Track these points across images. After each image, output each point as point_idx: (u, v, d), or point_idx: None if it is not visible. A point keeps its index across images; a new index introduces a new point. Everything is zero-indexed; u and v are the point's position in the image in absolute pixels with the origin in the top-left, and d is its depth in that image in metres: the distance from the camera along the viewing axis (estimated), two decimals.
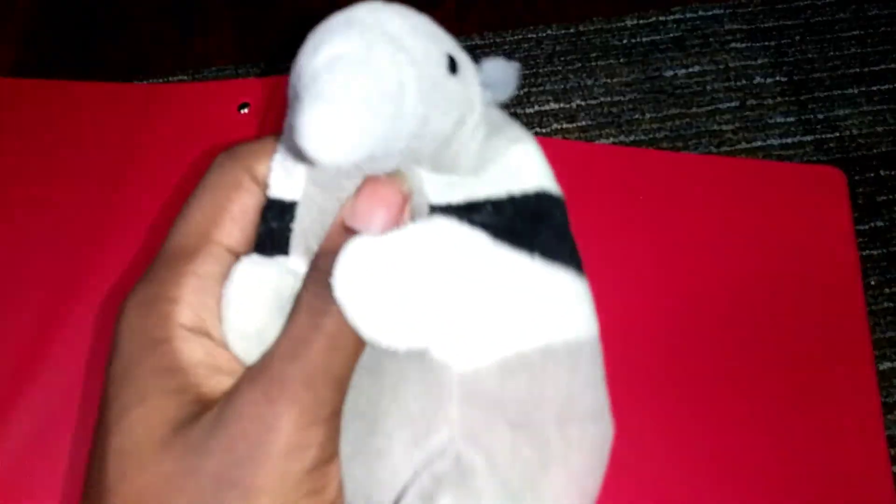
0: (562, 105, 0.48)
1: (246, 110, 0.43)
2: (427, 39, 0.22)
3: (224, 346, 0.21)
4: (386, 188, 0.21)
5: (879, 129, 0.47)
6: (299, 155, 0.21)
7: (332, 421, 0.20)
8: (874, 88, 0.49)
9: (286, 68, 0.51)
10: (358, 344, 0.20)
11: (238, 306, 0.21)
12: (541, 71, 0.50)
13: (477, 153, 0.23)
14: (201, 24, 0.54)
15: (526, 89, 0.49)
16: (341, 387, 0.20)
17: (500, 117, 0.25)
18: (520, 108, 0.48)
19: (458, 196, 0.23)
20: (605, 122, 0.47)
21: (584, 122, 0.48)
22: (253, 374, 0.20)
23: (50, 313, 0.38)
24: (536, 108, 0.48)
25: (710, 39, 0.51)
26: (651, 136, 0.47)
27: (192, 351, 0.21)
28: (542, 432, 0.21)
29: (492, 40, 0.51)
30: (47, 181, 0.42)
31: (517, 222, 0.22)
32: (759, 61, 0.50)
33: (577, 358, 0.22)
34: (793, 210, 0.43)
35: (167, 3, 0.55)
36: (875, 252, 0.43)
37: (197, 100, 0.45)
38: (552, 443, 0.21)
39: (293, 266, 0.23)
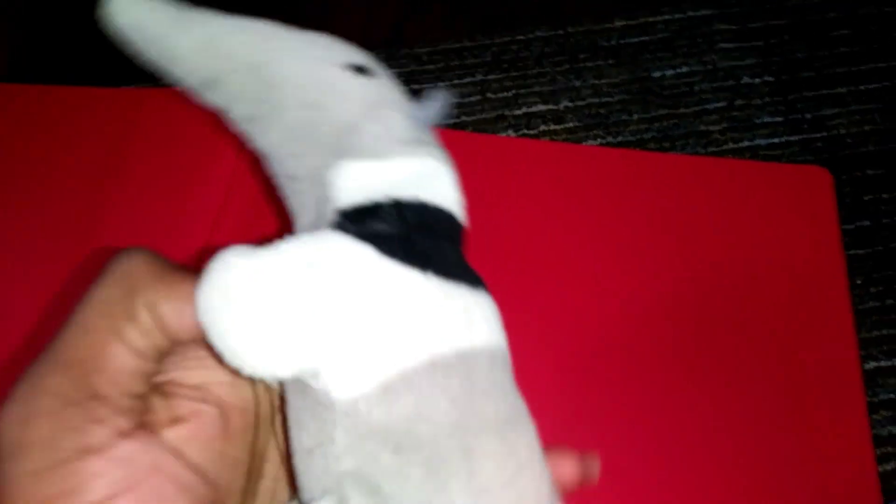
0: (550, 107, 0.48)
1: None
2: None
3: None
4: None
5: (867, 128, 0.47)
6: None
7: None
8: (862, 87, 0.49)
9: None
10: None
11: None
12: (529, 73, 0.50)
13: (393, 149, 0.22)
14: None
15: (514, 91, 0.49)
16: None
17: (434, 140, 0.24)
18: (507, 110, 0.48)
19: (364, 194, 0.21)
20: (593, 124, 0.48)
21: (571, 124, 0.48)
22: None
23: (41, 315, 0.38)
24: (524, 109, 0.48)
25: (699, 40, 0.51)
26: (639, 136, 0.47)
27: None
28: (436, 448, 0.19)
29: (480, 42, 0.52)
30: (42, 184, 0.43)
31: (416, 234, 0.21)
32: (748, 61, 0.50)
33: (472, 368, 0.20)
34: (779, 209, 0.43)
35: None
36: (861, 251, 0.43)
37: (187, 103, 0.45)
38: (449, 458, 0.19)
39: None
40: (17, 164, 0.44)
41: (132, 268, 0.21)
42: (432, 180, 0.23)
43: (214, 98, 0.25)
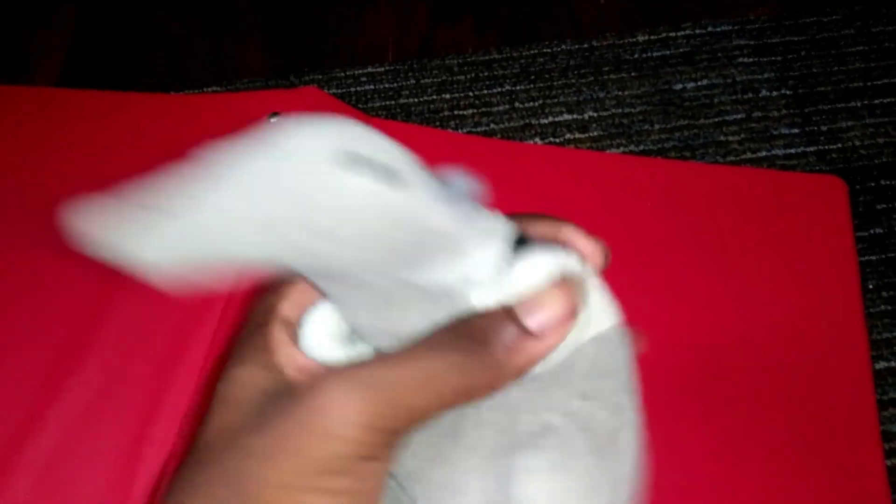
0: (575, 116, 0.51)
1: (276, 119, 0.46)
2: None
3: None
4: (570, 295, 0.22)
5: (881, 140, 0.49)
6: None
7: (389, 438, 0.20)
8: (876, 102, 0.50)
9: (313, 80, 0.54)
10: (457, 395, 0.21)
11: (312, 337, 0.24)
12: (555, 84, 0.52)
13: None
14: (233, 38, 0.57)
15: (541, 101, 0.52)
16: (413, 419, 0.21)
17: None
18: (534, 119, 0.51)
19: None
20: (616, 133, 0.50)
21: (595, 133, 0.50)
22: (344, 370, 0.21)
23: (86, 314, 0.41)
24: (550, 118, 0.51)
25: (719, 54, 0.53)
26: (660, 146, 0.49)
27: (280, 337, 0.23)
28: (609, 399, 0.24)
29: (509, 55, 0.54)
30: (86, 187, 0.45)
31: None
32: (766, 75, 0.52)
33: (620, 340, 0.25)
34: (795, 217, 0.44)
35: (200, 19, 0.58)
36: (874, 258, 0.44)
37: (228, 109, 0.47)
38: (621, 406, 0.25)
39: None
40: (66, 165, 0.47)
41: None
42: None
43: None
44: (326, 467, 0.20)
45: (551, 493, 0.22)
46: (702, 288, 0.43)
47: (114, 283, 0.41)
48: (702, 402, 0.39)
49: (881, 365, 0.41)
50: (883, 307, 0.43)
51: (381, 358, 0.21)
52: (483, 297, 0.22)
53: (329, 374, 0.21)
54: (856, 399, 0.39)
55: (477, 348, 0.21)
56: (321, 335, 0.24)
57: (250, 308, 0.25)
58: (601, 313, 0.25)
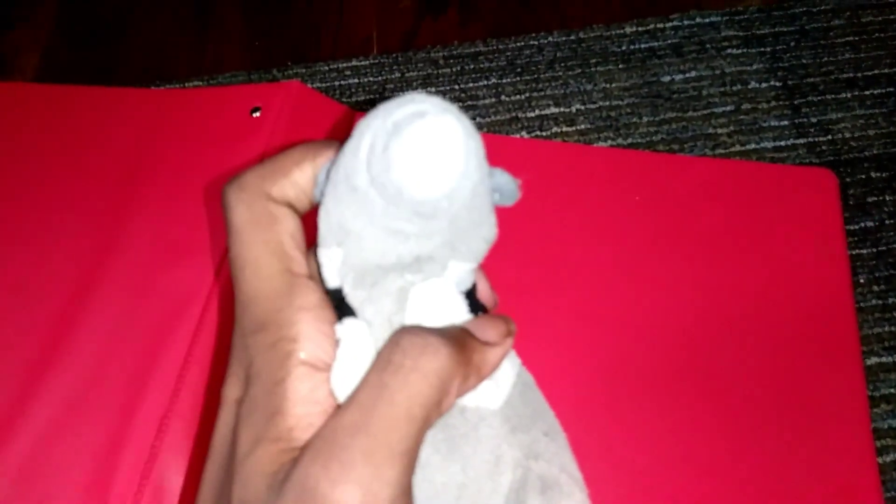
0: (562, 109, 0.50)
1: (258, 114, 0.45)
2: (475, 131, 0.26)
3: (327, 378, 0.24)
4: (506, 320, 0.26)
5: (871, 132, 0.48)
6: (357, 208, 0.25)
7: (398, 491, 0.20)
8: (867, 93, 0.50)
9: (296, 74, 0.53)
10: (428, 406, 0.22)
11: (344, 365, 0.24)
12: (542, 76, 0.52)
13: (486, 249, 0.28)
14: (215, 32, 0.56)
15: (527, 94, 0.51)
16: (406, 463, 0.21)
17: None
18: (521, 112, 0.50)
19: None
20: (604, 126, 0.49)
21: (583, 126, 0.49)
22: (317, 446, 0.21)
23: (65, 312, 0.40)
24: (537, 111, 0.50)
25: (707, 46, 0.52)
26: (648, 139, 0.48)
27: (299, 387, 0.22)
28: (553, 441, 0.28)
29: (495, 47, 0.53)
30: (68, 182, 0.44)
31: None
32: (755, 67, 0.51)
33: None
34: (785, 210, 0.44)
35: (183, 13, 0.57)
36: (864, 251, 0.44)
37: (209, 104, 0.47)
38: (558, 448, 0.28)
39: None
40: (46, 161, 0.46)
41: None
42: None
43: None
44: None
45: None
46: (690, 282, 0.42)
47: (89, 284, 0.40)
48: (691, 395, 0.39)
49: (872, 360, 0.41)
50: (874, 301, 0.42)
51: (344, 418, 0.22)
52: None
53: (302, 470, 0.21)
54: (847, 395, 0.38)
55: (431, 346, 0.23)
56: (348, 371, 0.24)
57: (256, 364, 0.24)
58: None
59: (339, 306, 0.26)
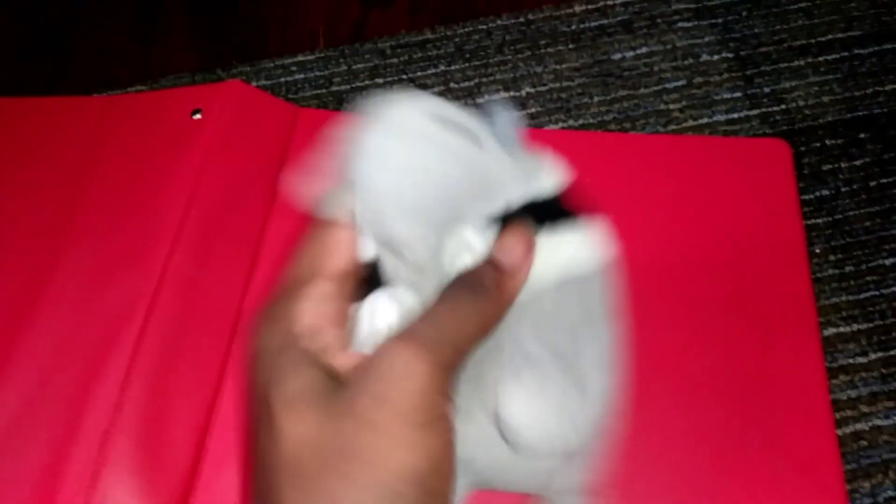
0: (512, 93, 0.49)
1: (198, 116, 0.44)
2: (452, 132, 0.28)
3: (336, 342, 0.27)
4: (523, 234, 0.29)
5: (825, 98, 0.47)
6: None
7: (451, 375, 0.25)
8: (820, 59, 0.49)
9: (241, 73, 0.52)
10: (482, 330, 0.27)
11: (363, 329, 0.27)
12: (491, 61, 0.51)
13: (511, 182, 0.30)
14: (161, 35, 0.55)
15: (477, 80, 0.50)
16: (460, 354, 0.26)
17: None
18: (471, 99, 0.49)
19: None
20: (555, 108, 0.48)
21: (533, 109, 0.48)
22: (395, 336, 0.25)
23: (5, 328, 0.39)
24: (487, 97, 0.49)
25: (658, 20, 0.51)
26: (600, 118, 0.48)
27: (314, 345, 0.26)
28: (572, 329, 0.29)
29: (443, 34, 0.52)
30: (7, 197, 0.44)
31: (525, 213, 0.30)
32: (706, 39, 0.50)
33: (589, 282, 0.30)
34: (739, 183, 0.43)
35: (128, 17, 0.56)
36: (820, 220, 0.43)
37: (149, 109, 0.46)
38: (580, 335, 0.29)
39: (396, 295, 0.28)
40: None
41: None
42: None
43: None
44: (416, 420, 0.24)
45: (530, 411, 0.27)
46: (646, 260, 0.41)
47: (29, 300, 0.40)
48: (646, 370, 0.38)
49: (830, 331, 0.40)
50: (831, 271, 0.42)
51: (420, 321, 0.26)
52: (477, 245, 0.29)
53: (384, 348, 0.25)
54: (805, 367, 0.38)
55: (480, 292, 0.27)
56: (371, 335, 0.27)
57: (262, 336, 0.27)
58: (565, 264, 0.30)
59: (368, 281, 0.28)
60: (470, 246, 0.29)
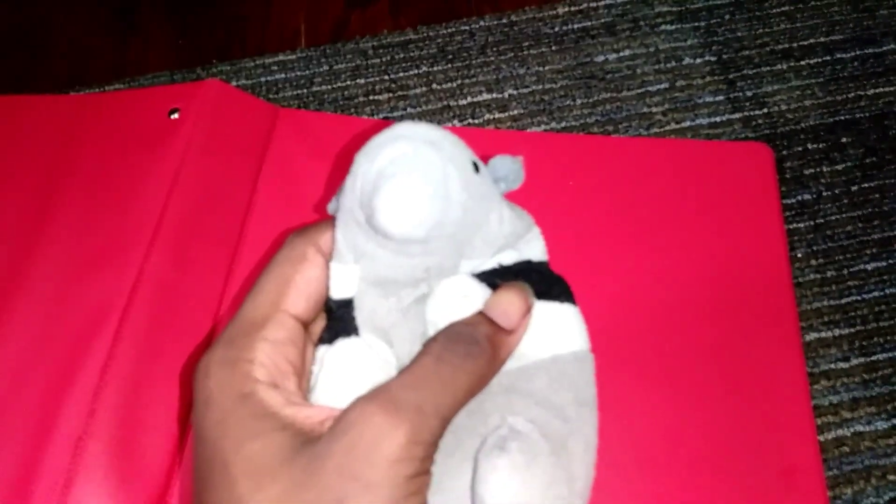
0: (494, 95, 0.49)
1: (176, 115, 0.43)
2: (456, 147, 0.29)
3: (299, 393, 0.25)
4: (523, 293, 0.27)
5: (808, 102, 0.47)
6: (365, 236, 0.28)
7: (431, 447, 0.23)
8: (803, 63, 0.49)
9: (220, 72, 0.51)
10: (470, 393, 0.25)
11: (332, 376, 0.26)
12: (473, 62, 0.50)
13: (505, 237, 0.30)
14: (138, 32, 0.54)
15: (459, 81, 0.50)
16: (444, 423, 0.24)
17: (510, 207, 0.31)
18: (452, 101, 0.49)
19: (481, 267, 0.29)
20: (537, 111, 0.48)
21: (516, 112, 0.48)
22: (370, 396, 0.23)
23: None
24: (469, 99, 0.49)
25: (641, 23, 0.51)
26: (582, 121, 0.47)
27: (274, 399, 0.24)
28: (563, 411, 0.27)
29: (426, 34, 0.52)
30: None
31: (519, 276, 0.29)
32: (689, 42, 0.50)
33: (581, 363, 0.29)
34: (721, 187, 0.43)
35: (104, 14, 0.55)
36: (802, 224, 0.43)
37: (127, 108, 0.45)
38: (572, 418, 0.28)
39: (368, 342, 0.27)
40: None
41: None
42: (528, 247, 0.31)
43: None
44: (403, 488, 0.22)
45: (513, 488, 0.25)
46: (628, 263, 0.41)
47: (2, 300, 0.39)
48: (629, 375, 0.38)
49: (811, 336, 0.40)
50: (812, 276, 0.42)
51: (401, 380, 0.24)
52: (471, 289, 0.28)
53: (357, 410, 0.23)
54: (786, 372, 0.38)
55: (472, 350, 0.25)
56: (341, 384, 0.26)
57: (212, 385, 0.25)
58: (563, 338, 0.29)
59: (336, 324, 0.27)
60: (466, 293, 0.27)
